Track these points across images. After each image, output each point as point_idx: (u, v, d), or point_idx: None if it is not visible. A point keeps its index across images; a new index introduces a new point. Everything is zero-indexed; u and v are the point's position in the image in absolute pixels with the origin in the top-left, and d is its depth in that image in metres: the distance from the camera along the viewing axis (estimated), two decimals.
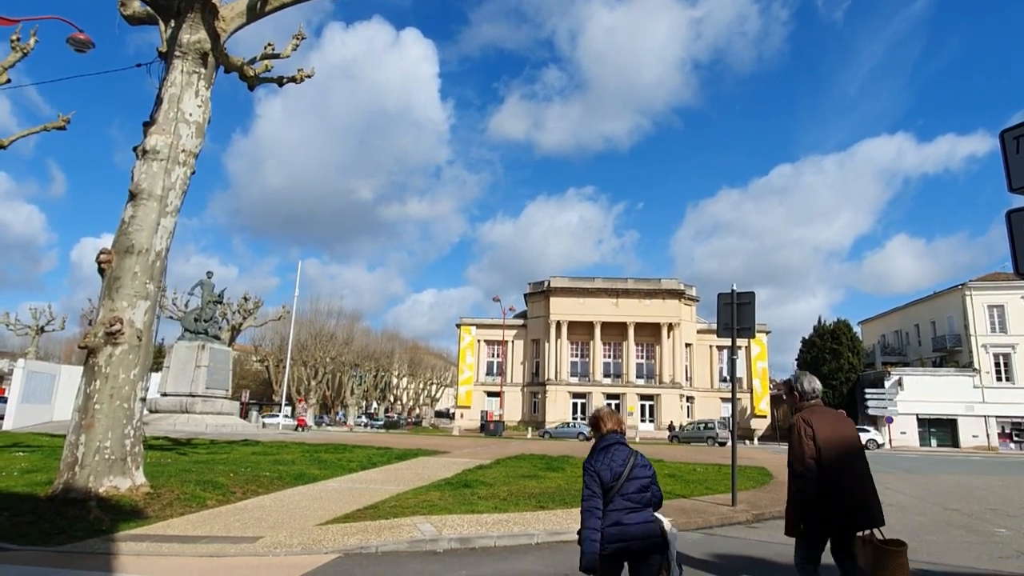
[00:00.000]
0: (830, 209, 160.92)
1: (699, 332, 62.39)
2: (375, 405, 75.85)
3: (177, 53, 9.99)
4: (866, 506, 3.96)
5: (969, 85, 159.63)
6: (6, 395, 32.82)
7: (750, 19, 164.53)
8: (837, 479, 3.90)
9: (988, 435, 46.55)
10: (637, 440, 43.18)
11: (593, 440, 3.95)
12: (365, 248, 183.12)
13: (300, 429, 43.33)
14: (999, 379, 48.32)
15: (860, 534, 4.06)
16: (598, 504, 3.64)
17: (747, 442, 46.84)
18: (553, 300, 61.37)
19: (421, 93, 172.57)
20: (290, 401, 55.31)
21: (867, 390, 46.84)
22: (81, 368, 9.08)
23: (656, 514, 3.77)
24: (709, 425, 45.77)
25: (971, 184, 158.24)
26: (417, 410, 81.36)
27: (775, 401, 65.01)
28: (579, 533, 3.69)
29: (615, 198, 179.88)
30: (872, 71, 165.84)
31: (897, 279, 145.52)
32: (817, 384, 4.31)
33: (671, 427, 48.08)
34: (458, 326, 65.66)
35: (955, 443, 46.90)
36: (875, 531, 4.04)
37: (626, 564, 3.72)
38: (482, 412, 57.42)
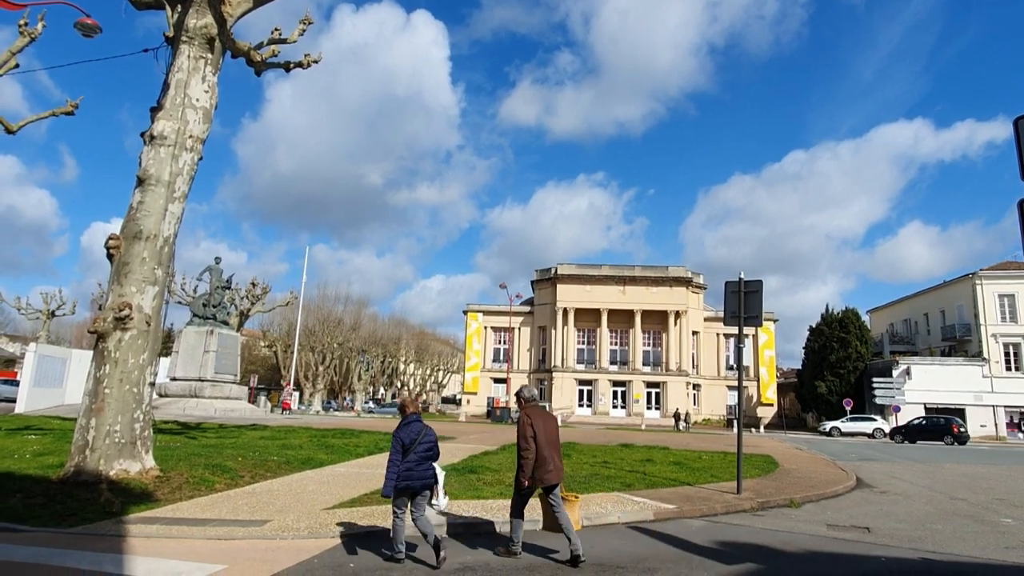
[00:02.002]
0: (844, 196, 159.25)
1: (706, 320, 62.24)
2: (382, 391, 76.27)
3: (184, 38, 9.96)
4: (557, 469, 6.26)
5: (990, 69, 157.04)
6: (18, 379, 33.27)
7: (768, 1, 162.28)
8: (545, 452, 6.14)
9: (996, 425, 46.35)
10: (643, 428, 43.26)
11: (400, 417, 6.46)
12: (374, 234, 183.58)
13: (285, 412, 43.36)
14: (1008, 369, 48.00)
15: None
16: (398, 460, 5.87)
17: (753, 430, 46.91)
18: (560, 287, 61.31)
19: (431, 77, 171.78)
20: (298, 387, 55.70)
21: (875, 379, 46.70)
22: (91, 352, 9.16)
23: (434, 464, 6.12)
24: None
25: (989, 171, 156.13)
26: (424, 396, 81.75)
27: (782, 390, 64.96)
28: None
29: (626, 184, 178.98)
30: (890, 54, 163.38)
31: (910, 267, 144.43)
32: (535, 392, 6.71)
33: (659, 413, 48.39)
34: (465, 313, 65.78)
35: None
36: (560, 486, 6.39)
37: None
38: (489, 398, 57.55)
